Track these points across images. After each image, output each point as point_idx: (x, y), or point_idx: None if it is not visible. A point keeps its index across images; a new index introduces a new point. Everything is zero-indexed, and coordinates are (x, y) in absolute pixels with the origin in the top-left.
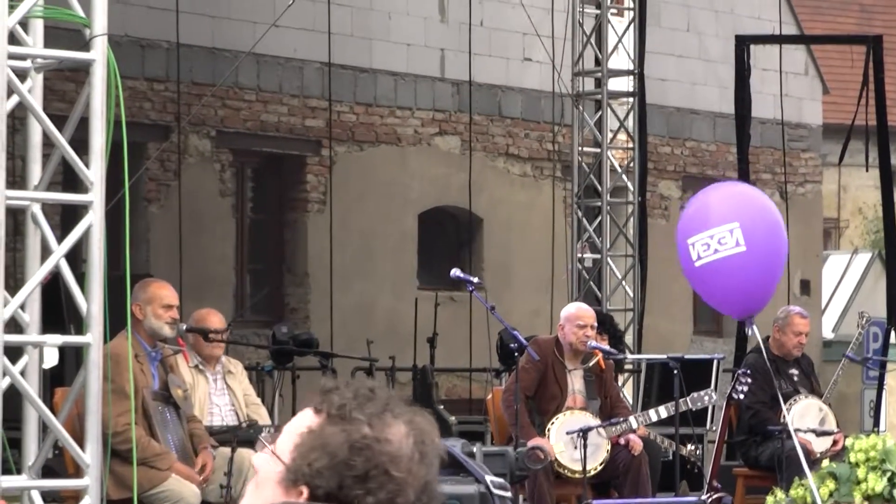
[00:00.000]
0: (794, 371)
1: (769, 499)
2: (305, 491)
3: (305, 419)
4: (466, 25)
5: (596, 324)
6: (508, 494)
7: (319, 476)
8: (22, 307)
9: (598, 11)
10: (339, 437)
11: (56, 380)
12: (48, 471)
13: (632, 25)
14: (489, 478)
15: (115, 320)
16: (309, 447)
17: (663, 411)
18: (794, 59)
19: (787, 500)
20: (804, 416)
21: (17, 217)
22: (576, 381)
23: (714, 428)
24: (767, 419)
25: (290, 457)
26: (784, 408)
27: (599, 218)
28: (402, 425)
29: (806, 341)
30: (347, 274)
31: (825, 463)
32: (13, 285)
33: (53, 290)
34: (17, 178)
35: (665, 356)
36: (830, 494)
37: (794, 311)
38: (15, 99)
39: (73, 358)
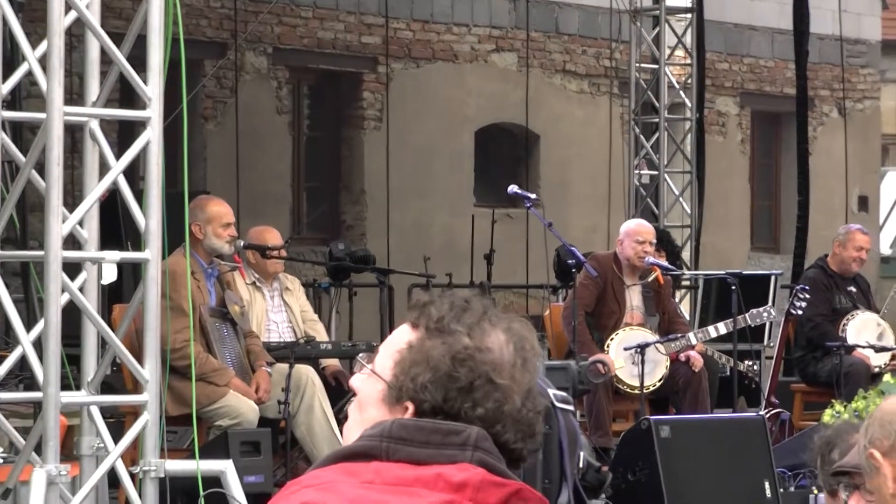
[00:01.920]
0: (852, 288)
1: (827, 412)
2: (411, 406)
3: (403, 335)
4: None
5: (654, 240)
6: (571, 408)
7: (424, 390)
8: (80, 223)
9: None
10: (440, 350)
11: (114, 296)
12: (107, 387)
13: None
14: (551, 391)
15: (173, 237)
16: (410, 362)
17: (722, 327)
18: None
19: (852, 412)
20: (862, 330)
21: (74, 134)
22: (634, 297)
23: (772, 344)
24: (827, 332)
25: (391, 374)
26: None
27: (657, 134)
28: (501, 333)
29: (866, 257)
30: (404, 191)
31: (886, 377)
32: (72, 202)
33: (112, 206)
34: (74, 95)
35: (723, 272)
36: None
37: (855, 227)
38: (73, 15)
39: (131, 274)
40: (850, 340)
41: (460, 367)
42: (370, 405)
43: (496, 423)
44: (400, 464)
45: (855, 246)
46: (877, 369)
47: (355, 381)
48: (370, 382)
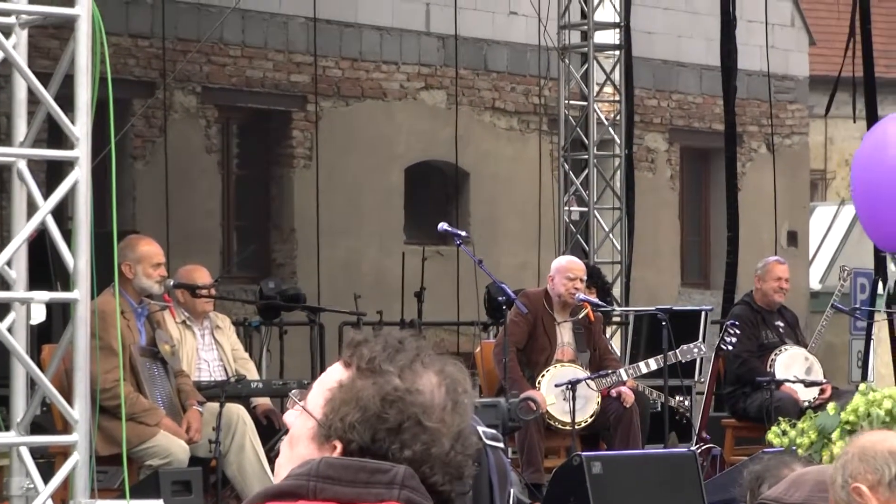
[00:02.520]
0: (780, 323)
1: (773, 429)
2: (339, 445)
3: (335, 373)
4: None
5: (585, 277)
6: (501, 445)
7: (352, 430)
8: (9, 264)
9: None
10: (371, 391)
11: (43, 336)
12: (37, 427)
13: None
14: (481, 428)
15: (102, 277)
16: (340, 401)
17: (652, 363)
18: (780, 10)
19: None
20: (790, 365)
21: (2, 174)
22: (565, 334)
23: (702, 379)
24: (755, 368)
25: (321, 412)
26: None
27: (586, 171)
28: (433, 375)
29: (787, 287)
30: (334, 229)
31: (829, 406)
32: None
33: (40, 246)
34: (2, 136)
35: (653, 308)
36: (809, 447)
37: (771, 259)
38: None
39: (60, 314)
40: (779, 375)
41: (389, 408)
42: (300, 442)
43: (423, 464)
44: (327, 503)
45: (773, 277)
46: (805, 403)
47: (288, 417)
48: (302, 420)
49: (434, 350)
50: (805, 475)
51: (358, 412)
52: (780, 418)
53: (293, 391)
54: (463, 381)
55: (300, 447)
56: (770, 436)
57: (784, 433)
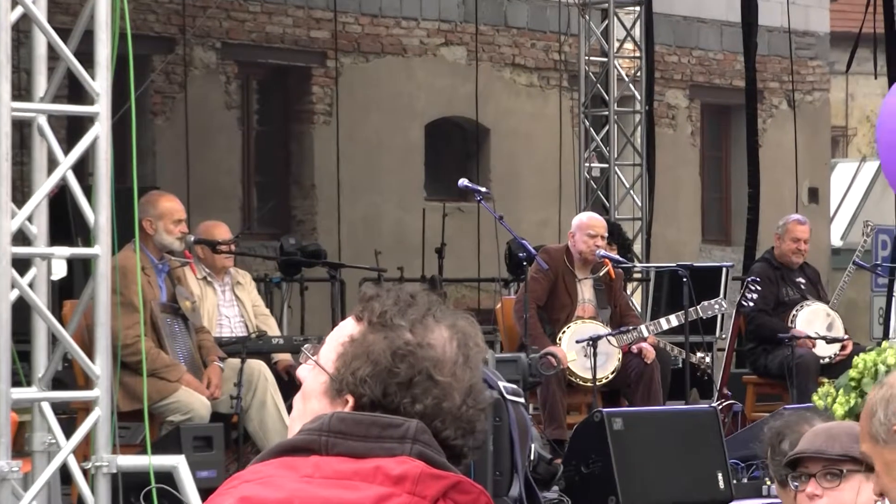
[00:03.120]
0: (801, 280)
1: (819, 391)
2: (351, 400)
3: (347, 328)
4: None
5: (606, 233)
6: (521, 400)
7: (364, 384)
8: (29, 219)
9: None
10: (382, 345)
11: (65, 292)
12: (58, 383)
13: None
14: (502, 383)
15: (123, 232)
16: (352, 356)
17: (673, 319)
18: None
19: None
20: (811, 321)
21: (23, 130)
22: (586, 291)
23: (724, 336)
24: (764, 323)
25: (333, 366)
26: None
27: (607, 127)
28: (445, 329)
29: (806, 248)
30: (354, 185)
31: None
32: (20, 198)
33: (61, 202)
34: (22, 91)
35: (674, 264)
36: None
37: (792, 217)
38: (19, 10)
39: (81, 270)
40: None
41: (400, 362)
42: (313, 396)
43: (435, 418)
44: (339, 457)
45: (792, 237)
46: (826, 360)
47: (301, 372)
48: (314, 374)
49: (452, 306)
50: (834, 429)
51: (369, 366)
52: (824, 380)
53: (305, 346)
54: (474, 335)
55: (312, 401)
56: (816, 399)
57: (827, 395)
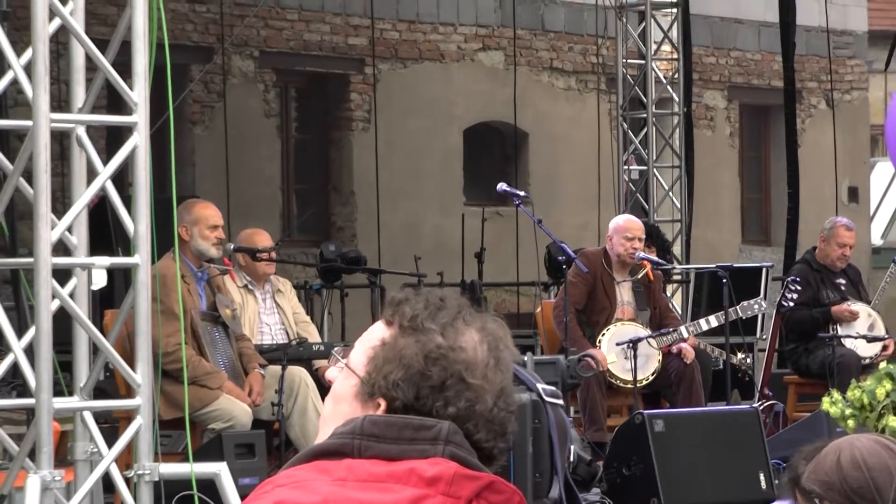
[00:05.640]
0: (841, 280)
1: (825, 400)
2: (383, 403)
3: (378, 332)
4: None
5: (644, 235)
6: (560, 402)
7: (396, 388)
8: (69, 230)
9: None
10: (413, 349)
11: (105, 302)
12: (100, 392)
13: None
14: (541, 386)
15: (162, 242)
16: (383, 360)
17: (713, 320)
18: None
19: (844, 401)
20: (853, 321)
21: (62, 141)
22: (625, 293)
23: (764, 336)
24: (805, 318)
25: (364, 370)
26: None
27: (645, 130)
28: (475, 332)
29: (850, 254)
30: (393, 191)
31: (882, 365)
32: (60, 209)
33: (100, 212)
34: (62, 103)
35: (714, 265)
36: (887, 395)
37: (840, 222)
38: (57, 22)
39: (121, 280)
40: (842, 331)
41: (433, 366)
42: (343, 400)
43: (468, 421)
44: (372, 460)
45: (838, 242)
46: (867, 360)
47: (331, 374)
48: (344, 377)
49: (492, 310)
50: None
51: (401, 370)
52: (831, 389)
53: (335, 349)
54: (504, 337)
55: (343, 405)
56: (825, 405)
57: (834, 403)
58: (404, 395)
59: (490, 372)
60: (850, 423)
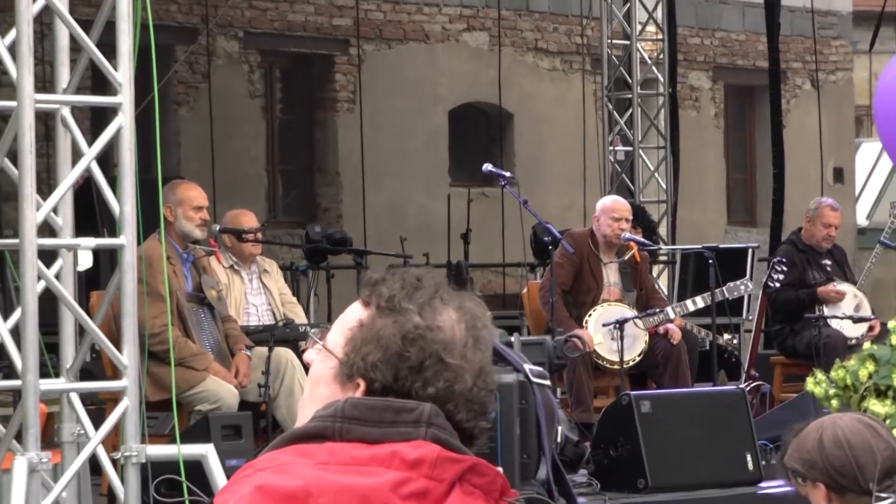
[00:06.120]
0: (827, 261)
1: (809, 380)
2: (362, 384)
3: (355, 313)
4: None
5: (631, 216)
6: (547, 383)
7: (375, 369)
8: (55, 211)
9: None
10: (391, 329)
11: (91, 283)
12: (86, 374)
13: None
14: (528, 366)
15: (148, 223)
16: (361, 341)
17: (700, 301)
18: None
19: (828, 381)
20: (839, 302)
21: (47, 122)
22: (611, 274)
23: (751, 317)
24: (791, 299)
25: (342, 351)
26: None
27: (630, 110)
28: (453, 311)
29: (836, 234)
30: (379, 172)
31: (866, 345)
32: (46, 190)
33: (86, 193)
34: (46, 84)
35: (700, 246)
36: (870, 376)
37: (825, 202)
38: (41, 3)
39: (107, 262)
40: (827, 312)
41: (410, 346)
42: (322, 382)
43: (448, 402)
44: (354, 444)
45: (823, 222)
46: (853, 341)
47: (309, 356)
48: (322, 359)
49: (478, 291)
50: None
51: (379, 351)
52: (814, 368)
53: (312, 330)
54: (482, 316)
55: (322, 387)
56: (809, 386)
57: (818, 383)
58: (383, 377)
59: (468, 351)
60: (834, 402)
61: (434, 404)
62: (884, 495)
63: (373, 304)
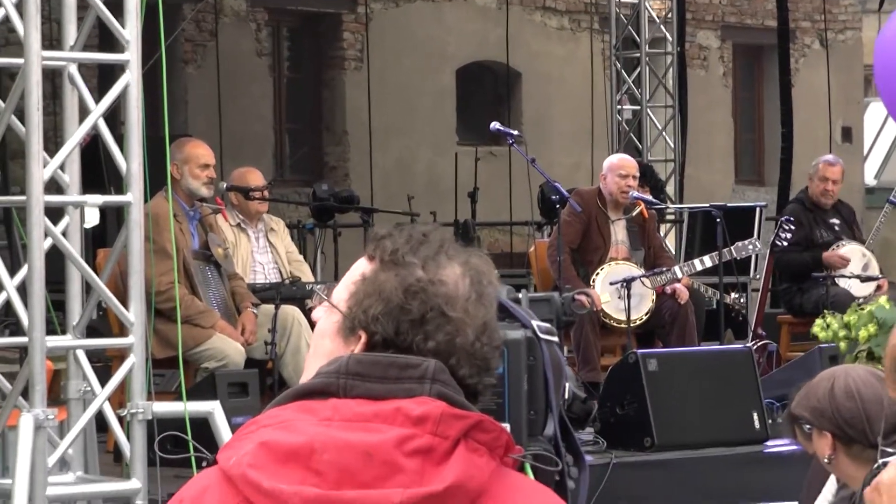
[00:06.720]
0: (835, 220)
1: (818, 322)
2: (364, 336)
3: (359, 267)
4: None
5: (638, 174)
6: (556, 339)
7: (376, 322)
8: (62, 168)
9: None
10: (393, 282)
11: (98, 241)
12: (93, 331)
13: None
14: (535, 322)
15: (155, 182)
16: (363, 294)
17: (707, 260)
18: None
19: (839, 323)
20: (844, 268)
21: (54, 80)
22: (619, 232)
23: (758, 276)
24: (795, 261)
25: (345, 305)
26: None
27: (638, 69)
28: (457, 266)
29: (834, 189)
30: (386, 131)
31: (882, 300)
32: (52, 148)
33: (93, 151)
34: (53, 41)
35: (707, 205)
36: (868, 339)
37: (824, 159)
38: None
39: (114, 219)
40: (836, 271)
41: (412, 299)
42: (326, 336)
43: (450, 356)
44: (358, 400)
45: (820, 177)
46: (861, 300)
47: (316, 314)
48: (328, 314)
49: (485, 249)
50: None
51: (381, 304)
52: (826, 311)
53: (318, 287)
54: (488, 272)
55: (326, 341)
56: (815, 328)
57: (828, 326)
58: (384, 330)
59: (471, 306)
60: (843, 345)
61: (436, 359)
62: (890, 450)
63: (377, 258)
